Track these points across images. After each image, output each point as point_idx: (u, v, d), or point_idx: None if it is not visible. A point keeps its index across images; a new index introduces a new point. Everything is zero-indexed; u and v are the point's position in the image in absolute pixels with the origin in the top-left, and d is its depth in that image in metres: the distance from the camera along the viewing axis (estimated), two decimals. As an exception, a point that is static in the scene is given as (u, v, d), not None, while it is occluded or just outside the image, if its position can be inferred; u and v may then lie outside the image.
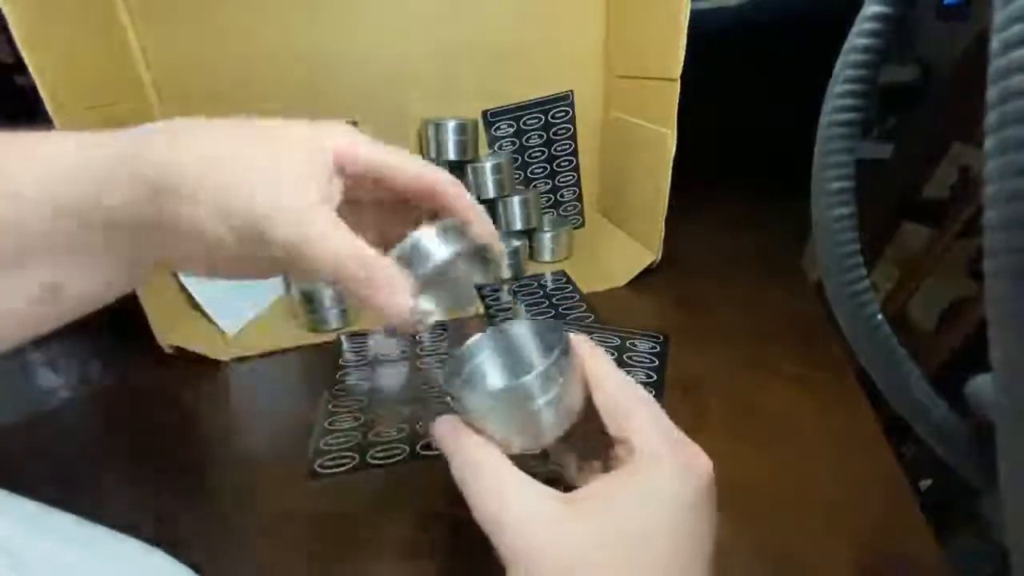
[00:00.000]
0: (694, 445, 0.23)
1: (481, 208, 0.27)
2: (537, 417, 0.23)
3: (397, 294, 0.23)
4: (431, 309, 0.24)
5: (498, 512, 0.21)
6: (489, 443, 0.23)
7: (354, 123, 0.63)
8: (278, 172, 0.22)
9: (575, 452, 0.27)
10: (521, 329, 0.28)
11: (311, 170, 0.22)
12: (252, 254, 0.22)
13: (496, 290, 0.63)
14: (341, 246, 0.22)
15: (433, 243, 0.24)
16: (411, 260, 0.24)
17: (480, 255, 0.26)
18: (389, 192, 0.26)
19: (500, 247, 0.28)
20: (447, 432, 0.24)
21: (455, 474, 0.23)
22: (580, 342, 0.25)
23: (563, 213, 0.75)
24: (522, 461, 0.23)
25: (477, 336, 0.28)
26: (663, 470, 0.21)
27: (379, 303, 0.23)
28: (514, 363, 0.28)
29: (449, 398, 0.24)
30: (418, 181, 0.25)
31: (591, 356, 0.25)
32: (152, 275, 0.26)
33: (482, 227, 0.26)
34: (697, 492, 0.21)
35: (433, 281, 0.24)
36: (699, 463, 0.22)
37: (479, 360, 0.28)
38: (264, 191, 0.21)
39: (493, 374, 0.28)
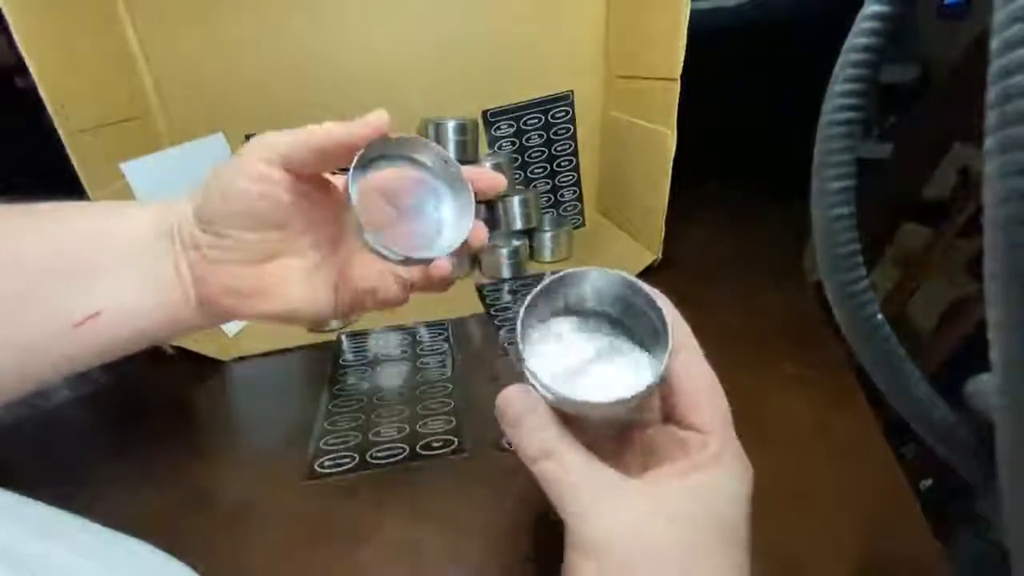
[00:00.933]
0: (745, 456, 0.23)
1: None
2: (626, 413, 0.23)
3: None
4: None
5: (587, 504, 0.20)
6: (570, 437, 0.21)
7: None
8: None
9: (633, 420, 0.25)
10: (601, 283, 0.26)
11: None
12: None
13: (496, 290, 0.63)
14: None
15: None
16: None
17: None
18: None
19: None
20: (523, 409, 0.22)
21: (537, 470, 0.21)
22: (673, 317, 0.24)
23: (563, 213, 0.75)
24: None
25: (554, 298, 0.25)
26: (734, 468, 0.22)
27: None
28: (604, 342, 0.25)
29: (536, 386, 0.22)
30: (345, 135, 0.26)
31: (683, 335, 0.25)
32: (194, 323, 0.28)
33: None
34: (749, 491, 0.22)
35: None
36: (748, 463, 0.23)
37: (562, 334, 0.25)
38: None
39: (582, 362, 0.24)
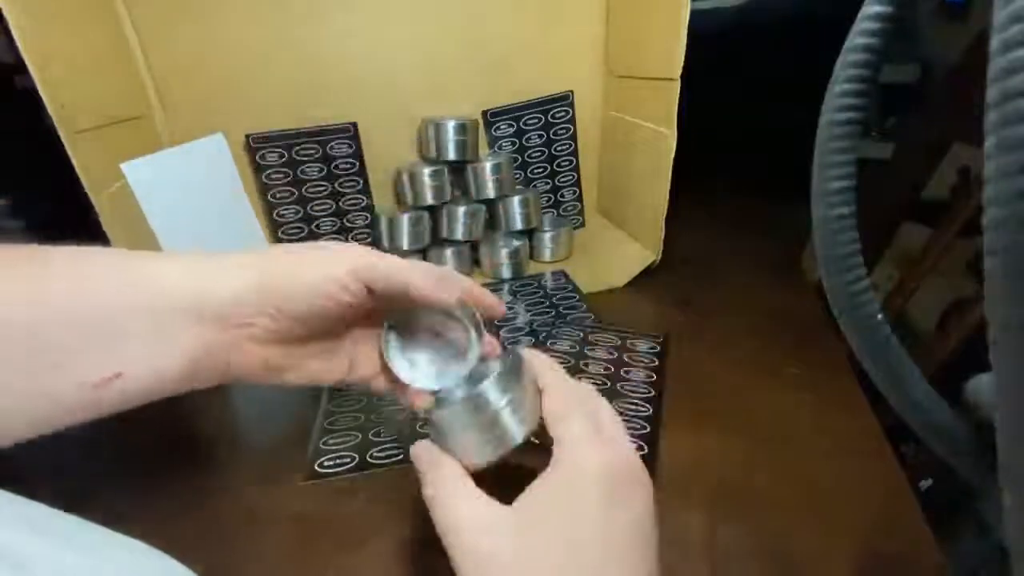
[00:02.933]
0: (618, 441, 0.24)
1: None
2: (497, 422, 0.24)
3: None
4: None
5: (454, 522, 0.23)
6: (452, 460, 0.25)
7: (354, 124, 0.63)
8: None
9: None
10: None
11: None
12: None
13: (496, 290, 0.63)
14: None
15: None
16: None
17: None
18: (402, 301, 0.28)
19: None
20: (420, 453, 0.26)
21: (424, 491, 0.25)
22: (534, 355, 0.27)
23: (563, 213, 0.75)
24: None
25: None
26: (580, 468, 0.23)
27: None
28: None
29: (425, 421, 0.26)
30: (437, 284, 0.28)
31: (542, 367, 0.27)
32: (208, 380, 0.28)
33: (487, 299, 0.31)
34: (617, 485, 0.22)
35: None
36: (619, 458, 0.23)
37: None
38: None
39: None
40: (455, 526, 0.23)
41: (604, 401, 0.26)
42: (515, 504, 0.23)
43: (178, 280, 0.25)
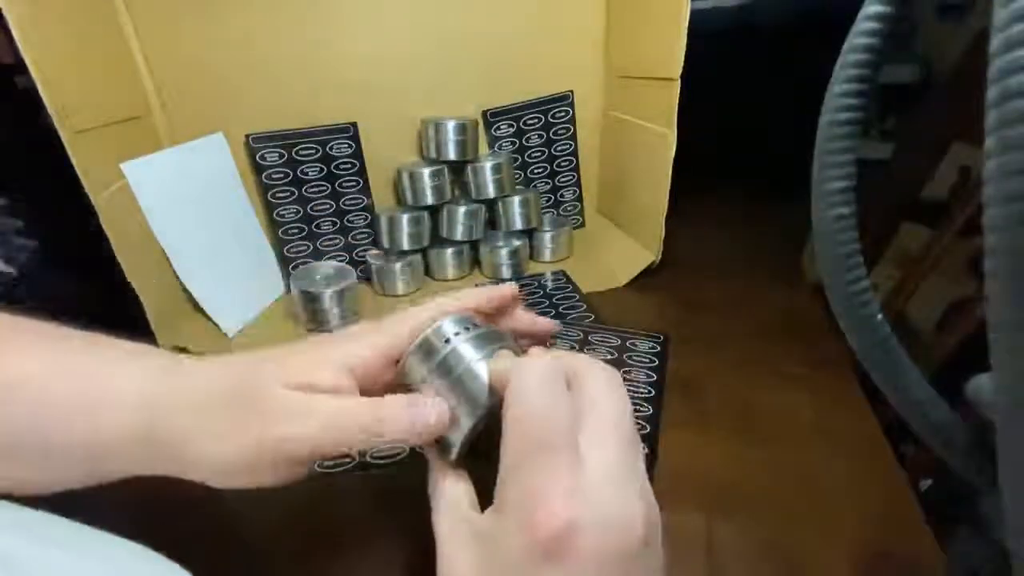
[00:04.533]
0: (549, 504, 0.19)
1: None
2: (466, 378, 0.24)
3: (415, 410, 0.24)
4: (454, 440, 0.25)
5: (436, 526, 0.24)
6: (450, 468, 0.25)
7: (354, 124, 0.63)
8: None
9: None
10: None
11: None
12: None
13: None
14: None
15: (449, 326, 0.26)
16: (428, 349, 0.26)
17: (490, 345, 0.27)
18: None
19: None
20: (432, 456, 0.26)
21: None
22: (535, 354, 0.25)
23: (563, 213, 0.75)
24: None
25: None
26: (506, 519, 0.20)
27: (402, 430, 0.24)
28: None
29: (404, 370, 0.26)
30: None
31: (519, 370, 0.22)
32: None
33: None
34: (533, 552, 0.19)
35: (445, 372, 0.25)
36: (543, 524, 0.18)
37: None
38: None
39: None
40: (437, 531, 0.24)
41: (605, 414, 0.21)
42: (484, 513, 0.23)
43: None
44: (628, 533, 0.19)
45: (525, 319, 0.32)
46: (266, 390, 0.23)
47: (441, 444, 0.26)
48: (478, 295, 0.29)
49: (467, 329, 0.26)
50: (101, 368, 0.25)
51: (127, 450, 0.24)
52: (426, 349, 0.26)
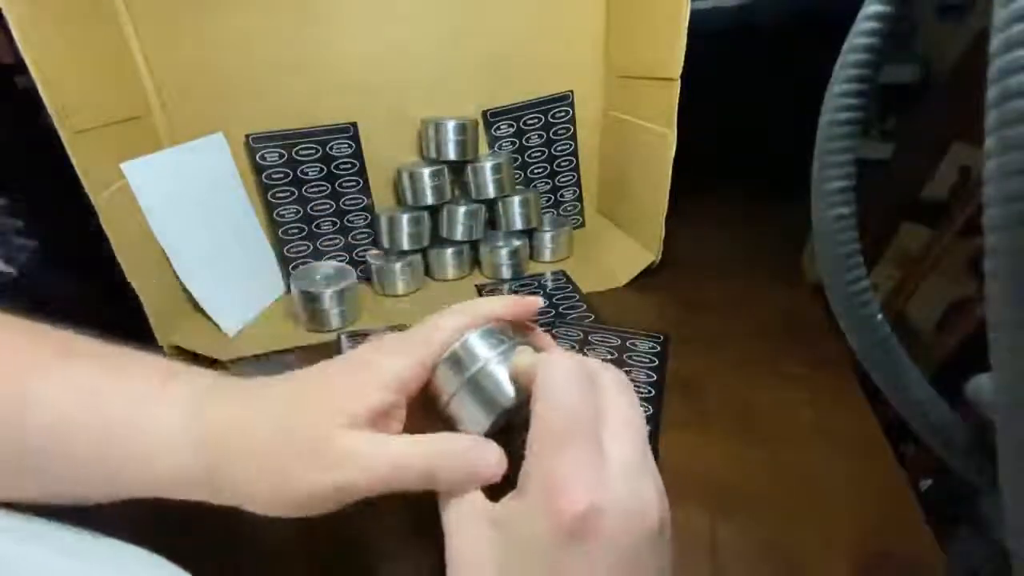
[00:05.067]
0: (574, 489, 0.19)
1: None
2: (482, 380, 0.25)
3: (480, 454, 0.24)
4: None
5: (443, 517, 0.24)
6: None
7: (354, 124, 0.63)
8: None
9: None
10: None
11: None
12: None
13: (496, 290, 0.63)
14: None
15: (480, 342, 0.26)
16: (462, 360, 0.26)
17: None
18: None
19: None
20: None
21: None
22: (553, 349, 0.26)
23: (563, 213, 0.75)
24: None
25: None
26: (531, 505, 0.21)
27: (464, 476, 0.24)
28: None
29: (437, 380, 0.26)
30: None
31: (547, 365, 0.23)
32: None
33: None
34: (558, 534, 0.19)
35: (478, 386, 0.25)
36: (568, 508, 0.19)
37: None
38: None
39: None
40: (446, 528, 0.24)
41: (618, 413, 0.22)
42: (496, 507, 0.23)
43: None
44: (646, 519, 0.20)
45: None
46: (321, 431, 0.23)
47: None
48: (504, 304, 0.29)
49: (498, 341, 0.26)
50: (138, 410, 0.25)
51: (183, 491, 0.25)
52: (455, 360, 0.26)
